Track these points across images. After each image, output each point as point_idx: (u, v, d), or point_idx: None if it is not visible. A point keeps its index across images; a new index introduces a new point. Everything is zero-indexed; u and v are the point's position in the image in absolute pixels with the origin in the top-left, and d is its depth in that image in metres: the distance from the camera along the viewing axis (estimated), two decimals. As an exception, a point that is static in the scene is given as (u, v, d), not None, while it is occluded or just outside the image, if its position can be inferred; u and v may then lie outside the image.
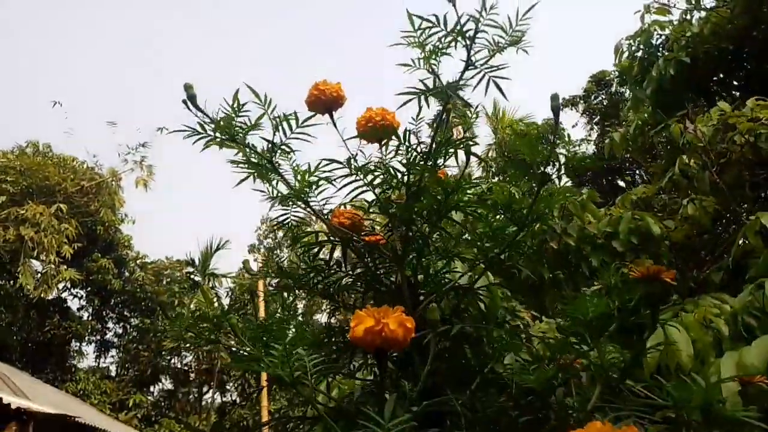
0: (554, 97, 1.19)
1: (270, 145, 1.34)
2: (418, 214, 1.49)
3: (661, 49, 4.72)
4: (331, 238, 1.63)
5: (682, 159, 3.73)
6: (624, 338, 1.15)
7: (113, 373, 18.10)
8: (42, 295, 14.63)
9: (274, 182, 1.42)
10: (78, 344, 17.83)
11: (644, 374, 1.61)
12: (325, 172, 1.48)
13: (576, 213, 3.38)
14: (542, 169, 1.22)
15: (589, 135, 14.42)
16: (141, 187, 16.35)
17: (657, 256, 2.99)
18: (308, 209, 1.57)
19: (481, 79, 1.43)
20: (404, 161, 1.51)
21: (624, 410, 0.85)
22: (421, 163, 1.47)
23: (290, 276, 1.62)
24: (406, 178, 1.51)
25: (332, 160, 1.47)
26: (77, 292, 17.79)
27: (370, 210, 1.61)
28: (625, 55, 4.94)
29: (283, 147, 1.35)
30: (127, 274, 17.24)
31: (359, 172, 1.51)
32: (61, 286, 16.28)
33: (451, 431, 1.17)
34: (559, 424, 1.08)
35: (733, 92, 4.52)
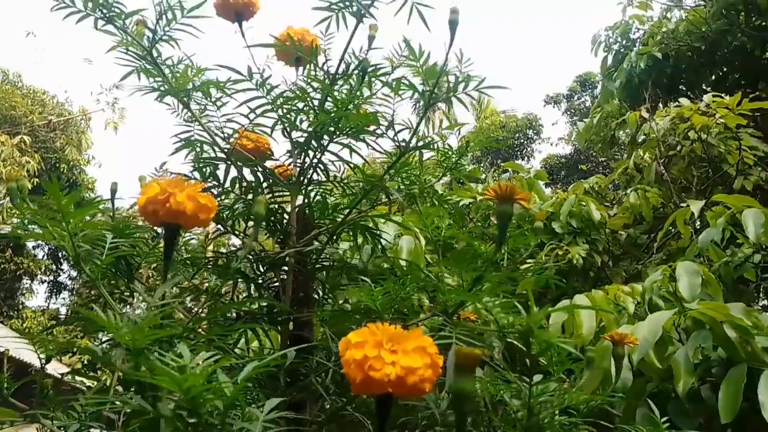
0: (454, 10, 1.09)
1: (152, 35, 1.21)
2: (314, 138, 1.38)
3: (637, 43, 4.65)
4: (229, 159, 1.52)
5: (638, 153, 3.69)
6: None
7: (63, 316, 17.80)
8: (-5, 227, 14.25)
9: (158, 81, 1.29)
10: (29, 282, 17.46)
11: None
12: (223, 83, 1.36)
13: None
14: (433, 90, 1.11)
15: (566, 135, 14.42)
16: (111, 130, 15.92)
17: (593, 242, 2.95)
18: (198, 123, 1.45)
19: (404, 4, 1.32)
20: (316, 83, 1.40)
21: (451, 334, 0.77)
22: (327, 82, 1.36)
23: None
24: (315, 102, 1.40)
25: (229, 68, 1.34)
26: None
27: (272, 133, 1.49)
28: (602, 46, 4.87)
29: (166, 38, 1.22)
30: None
31: (262, 87, 1.39)
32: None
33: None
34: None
35: (699, 95, 4.49)
